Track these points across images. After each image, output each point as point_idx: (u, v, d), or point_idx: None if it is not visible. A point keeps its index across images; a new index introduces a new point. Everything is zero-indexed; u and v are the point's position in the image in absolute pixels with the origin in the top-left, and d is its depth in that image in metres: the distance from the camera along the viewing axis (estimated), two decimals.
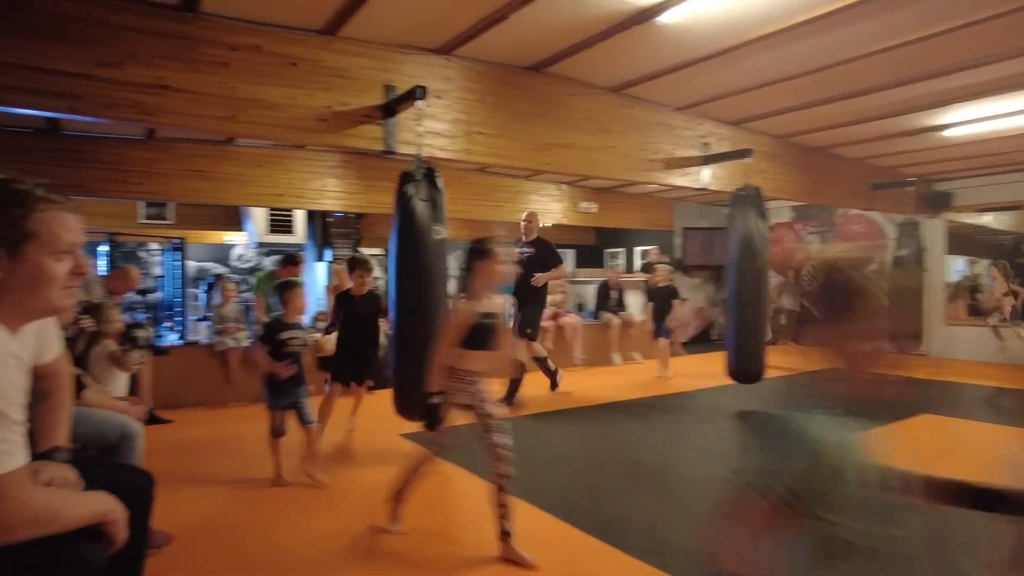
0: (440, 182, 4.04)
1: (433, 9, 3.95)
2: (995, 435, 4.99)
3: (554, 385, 6.27)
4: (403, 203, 3.91)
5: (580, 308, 9.64)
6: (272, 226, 8.93)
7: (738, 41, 4.40)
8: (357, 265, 4.57)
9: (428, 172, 3.99)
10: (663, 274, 7.87)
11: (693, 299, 11.76)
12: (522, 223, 6.06)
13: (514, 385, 5.63)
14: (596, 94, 5.46)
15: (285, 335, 3.74)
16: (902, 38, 4.34)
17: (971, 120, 6.23)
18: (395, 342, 3.90)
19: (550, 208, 9.71)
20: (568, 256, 13.33)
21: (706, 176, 6.22)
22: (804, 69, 4.97)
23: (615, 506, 3.43)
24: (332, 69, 4.17)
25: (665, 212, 11.47)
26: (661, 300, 7.69)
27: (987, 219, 10.77)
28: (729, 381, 6.00)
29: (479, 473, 3.85)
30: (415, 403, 3.84)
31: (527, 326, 5.80)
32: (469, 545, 2.96)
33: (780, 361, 5.83)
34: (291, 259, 6.53)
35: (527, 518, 3.17)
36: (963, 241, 11.60)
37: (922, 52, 4.55)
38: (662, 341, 7.63)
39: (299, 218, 9.25)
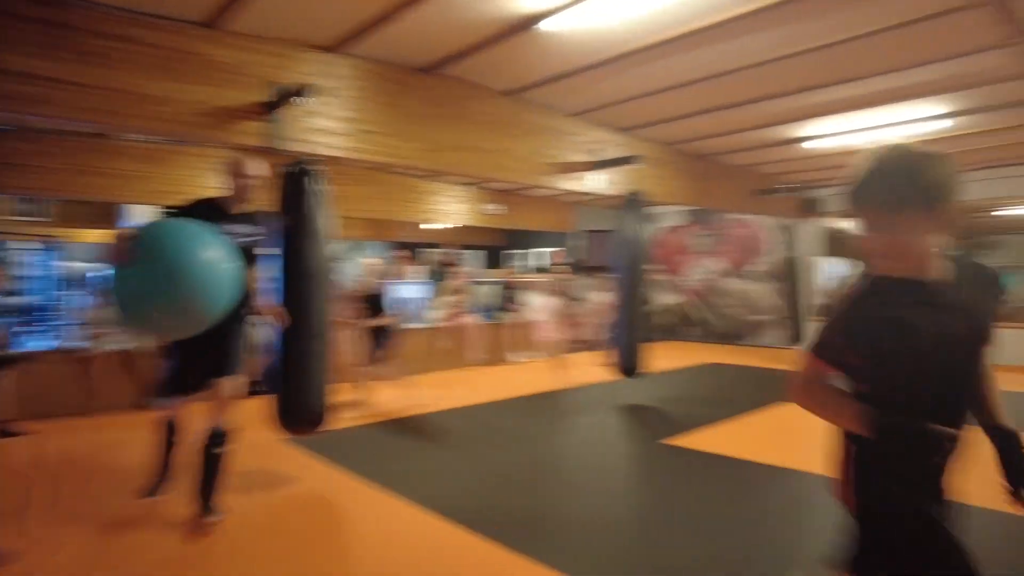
0: (323, 181, 3.99)
1: (321, 6, 3.91)
2: None
3: None
4: (286, 201, 3.85)
5: (480, 309, 9.73)
6: None
7: (623, 51, 4.61)
8: None
9: (307, 170, 3.93)
10: (564, 275, 8.10)
11: (594, 298, 12.14)
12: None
13: None
14: (491, 97, 5.55)
15: None
16: (777, 53, 4.68)
17: (838, 132, 6.81)
18: (280, 347, 3.80)
19: (455, 209, 9.77)
20: (478, 257, 13.45)
21: (598, 181, 6.45)
22: (686, 80, 5.27)
23: (504, 504, 3.50)
24: (215, 63, 4.04)
25: (568, 215, 11.79)
26: (560, 299, 7.91)
27: (852, 224, 11.75)
28: (618, 376, 6.26)
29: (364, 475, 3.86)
30: (301, 412, 3.79)
31: None
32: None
33: (663, 356, 6.16)
34: None
35: (416, 523, 3.19)
36: (835, 244, 12.59)
37: (795, 68, 4.93)
38: (555, 339, 7.86)
39: None
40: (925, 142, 6.44)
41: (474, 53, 4.66)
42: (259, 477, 3.80)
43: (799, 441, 4.88)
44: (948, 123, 6.38)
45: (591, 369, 7.32)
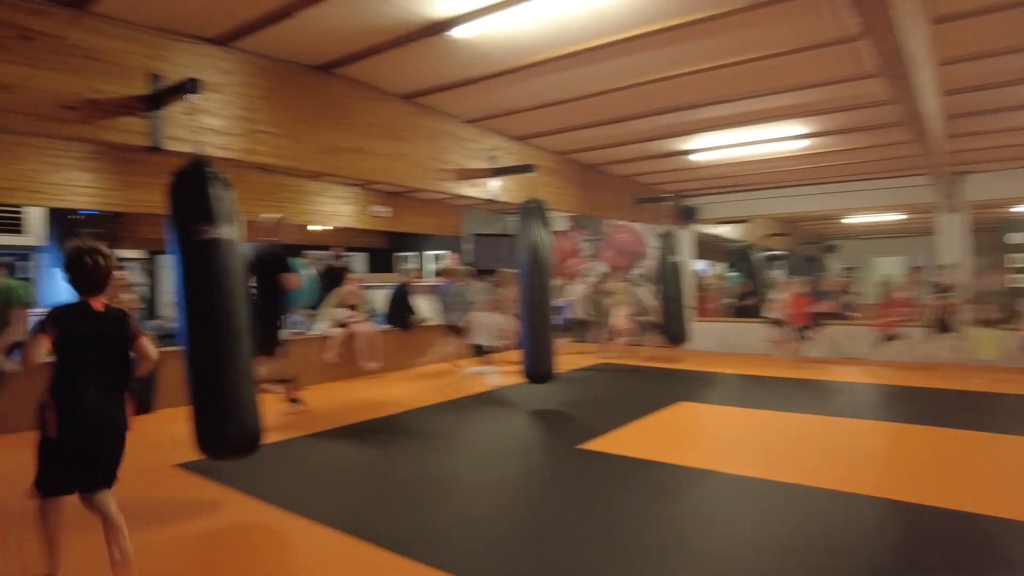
0: (221, 178, 3.64)
1: None
2: (738, 417, 5.90)
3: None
4: (178, 204, 3.47)
5: (373, 314, 9.45)
6: None
7: (521, 63, 4.68)
8: None
9: (204, 170, 3.57)
10: (462, 276, 8.07)
11: (484, 302, 12.20)
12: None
13: None
14: (388, 100, 5.41)
15: None
16: (660, 74, 4.95)
17: (712, 147, 7.31)
18: (187, 362, 3.41)
19: (339, 211, 9.42)
20: (359, 260, 13.05)
21: (494, 188, 6.49)
22: (580, 94, 5.43)
23: (409, 517, 3.42)
24: (81, 49, 3.59)
25: (454, 218, 11.76)
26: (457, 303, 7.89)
27: (723, 229, 12.72)
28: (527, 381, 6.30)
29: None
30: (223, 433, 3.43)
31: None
32: None
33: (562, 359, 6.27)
34: None
35: (317, 539, 3.04)
36: (706, 247, 13.53)
37: (678, 88, 5.24)
38: (459, 343, 7.83)
39: (34, 216, 7.87)
40: (785, 158, 7.08)
41: (372, 55, 4.52)
42: (159, 509, 3.44)
43: (699, 441, 5.19)
44: (805, 143, 7.06)
45: (498, 374, 7.34)
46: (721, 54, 4.58)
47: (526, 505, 3.72)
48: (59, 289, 7.79)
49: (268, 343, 5.27)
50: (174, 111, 3.86)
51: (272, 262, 5.42)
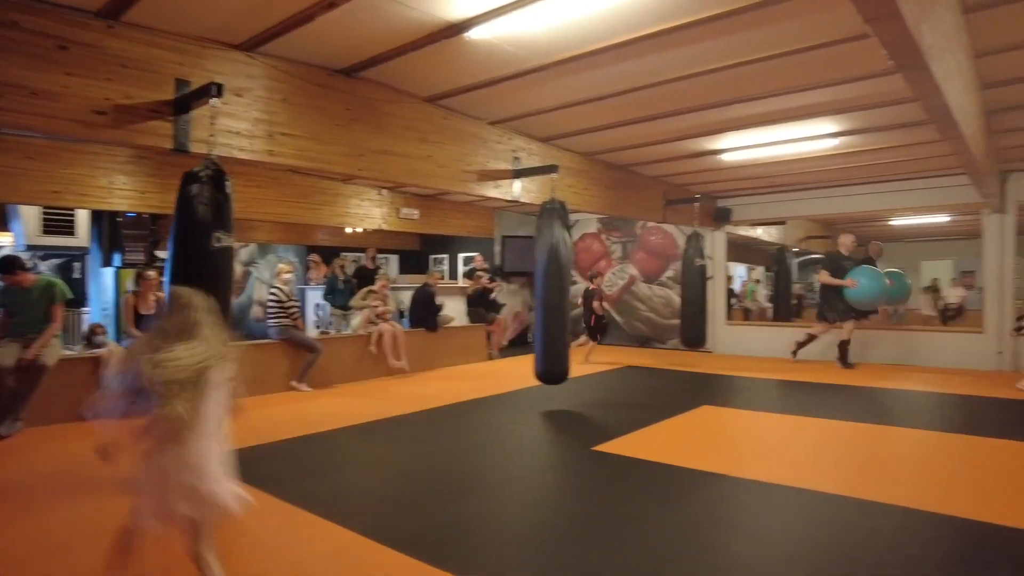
0: (228, 185, 3.81)
1: (234, 3, 3.74)
2: (765, 422, 5.78)
3: None
4: (184, 206, 3.64)
5: (402, 315, 9.60)
6: (46, 226, 7.85)
7: (541, 63, 4.69)
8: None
9: (215, 174, 3.74)
10: (484, 280, 8.13)
11: (511, 304, 12.25)
12: None
13: None
14: (412, 103, 5.49)
15: None
16: (686, 71, 4.89)
17: (743, 147, 7.19)
18: None
19: (371, 213, 9.58)
20: (392, 261, 13.24)
21: (517, 188, 6.52)
22: (605, 93, 5.41)
23: (427, 517, 3.45)
24: (114, 57, 3.77)
25: (487, 220, 11.82)
26: (482, 305, 7.94)
27: (758, 232, 12.47)
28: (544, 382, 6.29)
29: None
30: None
31: None
32: None
33: (583, 361, 6.25)
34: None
35: (334, 540, 3.09)
36: (741, 250, 13.30)
37: (705, 85, 5.17)
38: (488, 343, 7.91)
39: (82, 218, 8.23)
40: (818, 158, 6.91)
41: (396, 58, 4.60)
42: None
43: (719, 445, 5.11)
44: (836, 141, 6.88)
45: (518, 374, 7.35)
46: (749, 49, 4.49)
47: (539, 506, 3.72)
48: (104, 288, 8.13)
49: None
50: (199, 115, 4.00)
51: None
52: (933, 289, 13.76)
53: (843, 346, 8.64)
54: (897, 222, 12.77)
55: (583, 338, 9.61)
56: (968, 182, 7.50)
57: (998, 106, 5.59)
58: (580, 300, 9.95)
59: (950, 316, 12.20)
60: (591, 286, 9.71)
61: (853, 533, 3.10)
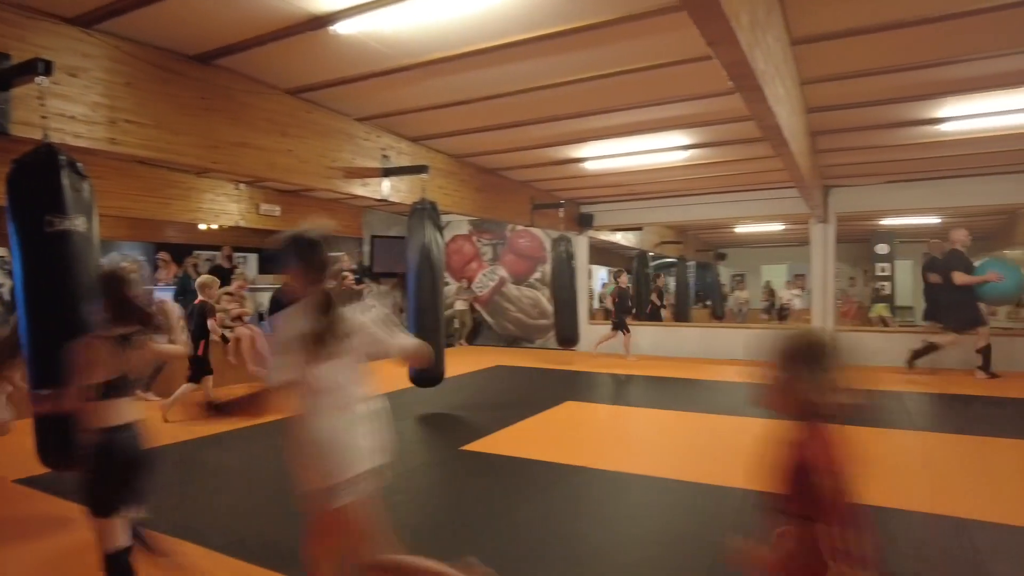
0: (81, 167, 3.40)
1: None
2: (623, 415, 6.11)
3: None
4: (23, 194, 3.22)
5: (261, 318, 9.11)
6: None
7: (410, 62, 4.65)
8: None
9: (52, 158, 3.33)
10: (350, 280, 7.90)
11: (380, 305, 12.03)
12: None
13: None
14: (273, 94, 5.24)
15: None
16: (550, 80, 5.06)
17: (603, 156, 7.56)
18: (30, 362, 3.15)
19: (227, 209, 9.02)
20: (251, 261, 12.53)
21: (387, 188, 6.42)
22: (474, 96, 5.47)
23: (287, 527, 3.31)
24: None
25: (354, 219, 11.54)
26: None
27: (618, 237, 13.18)
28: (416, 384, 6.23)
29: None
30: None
31: None
32: None
33: (454, 362, 6.29)
34: None
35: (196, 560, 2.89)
36: (603, 254, 13.98)
37: (568, 95, 5.38)
38: None
39: None
40: (672, 168, 7.38)
41: (256, 47, 4.36)
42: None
43: (579, 438, 5.33)
44: (687, 153, 7.44)
45: (389, 376, 7.21)
46: (609, 62, 4.73)
47: (408, 506, 3.69)
48: None
49: None
50: (23, 92, 3.56)
51: None
52: (769, 291, 15.47)
53: (985, 352, 7.53)
54: (740, 229, 14.02)
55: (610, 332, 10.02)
56: (798, 195, 8.38)
57: (821, 128, 6.32)
58: (612, 297, 10.52)
59: (784, 315, 13.67)
60: (620, 283, 10.30)
61: (699, 515, 3.37)
